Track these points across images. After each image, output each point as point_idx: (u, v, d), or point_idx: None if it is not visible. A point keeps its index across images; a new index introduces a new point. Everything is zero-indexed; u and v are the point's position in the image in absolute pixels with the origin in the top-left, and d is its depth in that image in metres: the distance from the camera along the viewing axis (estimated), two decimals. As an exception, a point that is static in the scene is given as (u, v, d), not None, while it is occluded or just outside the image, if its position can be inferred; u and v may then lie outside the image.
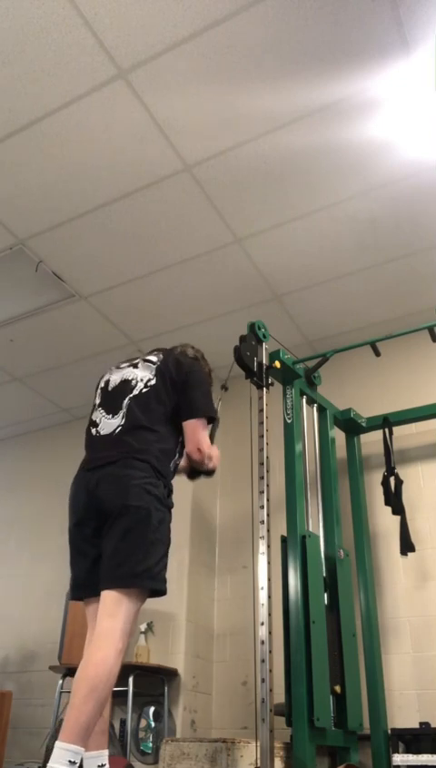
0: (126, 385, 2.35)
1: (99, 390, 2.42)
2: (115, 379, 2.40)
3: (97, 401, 2.39)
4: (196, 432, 2.27)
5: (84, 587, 2.13)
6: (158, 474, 2.16)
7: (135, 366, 2.41)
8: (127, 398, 2.30)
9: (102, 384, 2.44)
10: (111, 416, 2.30)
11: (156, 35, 2.49)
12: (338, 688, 2.84)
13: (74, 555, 2.19)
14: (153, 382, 2.33)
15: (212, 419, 2.35)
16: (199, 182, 3.11)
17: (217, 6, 2.39)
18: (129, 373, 2.39)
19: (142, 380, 2.34)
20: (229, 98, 2.71)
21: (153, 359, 2.43)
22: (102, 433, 2.27)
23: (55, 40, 2.51)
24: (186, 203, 3.23)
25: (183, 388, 2.32)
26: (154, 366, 2.38)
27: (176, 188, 3.14)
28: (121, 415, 2.28)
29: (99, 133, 2.88)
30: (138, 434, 2.22)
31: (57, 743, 1.73)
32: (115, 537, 2.03)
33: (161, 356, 2.44)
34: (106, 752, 2.04)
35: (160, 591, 2.05)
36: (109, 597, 1.96)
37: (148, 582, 2.01)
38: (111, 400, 2.34)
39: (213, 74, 2.62)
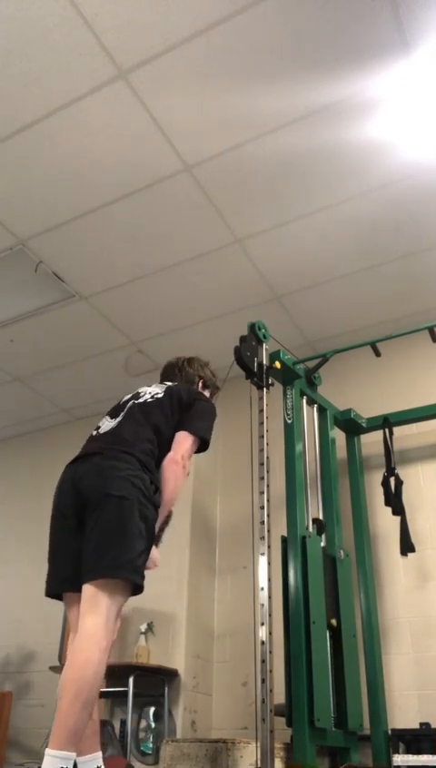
0: (136, 395, 2.47)
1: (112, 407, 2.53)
2: (128, 395, 2.52)
3: (106, 412, 2.48)
4: (185, 443, 2.32)
5: (63, 582, 2.09)
6: (145, 468, 2.15)
7: (149, 385, 2.55)
8: (131, 402, 2.41)
9: (115, 403, 2.54)
10: (112, 419, 2.38)
11: (156, 36, 2.49)
12: (334, 621, 2.90)
13: (53, 548, 2.14)
14: (159, 396, 2.43)
15: (204, 444, 2.40)
16: (199, 182, 3.11)
17: (217, 7, 2.39)
18: (141, 389, 2.52)
19: (150, 393, 2.45)
20: (229, 98, 2.71)
21: (168, 382, 2.58)
22: (100, 432, 2.33)
23: (56, 40, 2.51)
24: (186, 204, 3.23)
25: (187, 410, 2.40)
26: (166, 386, 2.51)
27: (176, 188, 3.14)
28: (121, 415, 2.36)
29: (99, 134, 2.88)
30: (130, 428, 2.26)
31: (47, 751, 1.69)
32: (98, 527, 1.99)
33: (176, 383, 2.58)
34: (100, 753, 2.01)
35: (139, 586, 2.00)
36: (90, 591, 1.92)
37: (130, 574, 1.95)
38: (117, 408, 2.45)
39: (213, 75, 2.62)
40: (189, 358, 2.77)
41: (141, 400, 2.41)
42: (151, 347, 4.33)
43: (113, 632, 1.95)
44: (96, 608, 1.89)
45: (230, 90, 2.68)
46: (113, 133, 2.88)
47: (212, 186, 3.14)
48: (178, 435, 2.33)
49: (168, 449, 2.30)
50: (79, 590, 1.96)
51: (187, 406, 2.41)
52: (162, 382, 2.63)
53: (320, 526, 3.20)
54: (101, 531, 1.99)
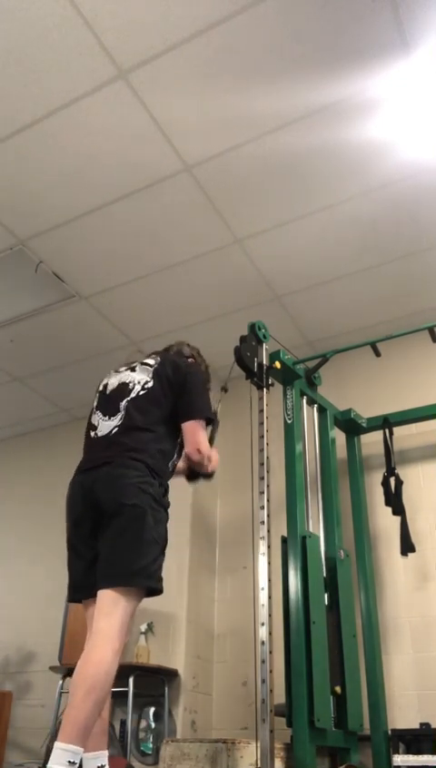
0: (124, 388, 2.36)
1: (97, 394, 2.44)
2: (113, 382, 2.42)
3: (95, 404, 2.41)
4: (195, 433, 2.28)
5: (82, 589, 2.13)
6: (153, 473, 2.16)
7: (133, 369, 2.43)
8: (124, 401, 2.32)
9: (100, 388, 2.46)
10: (108, 418, 2.32)
11: (156, 36, 2.49)
12: (338, 689, 2.83)
13: (71, 556, 2.19)
14: (150, 384, 2.34)
15: (210, 421, 2.36)
16: (199, 182, 3.11)
17: (217, 7, 2.39)
18: (126, 376, 2.40)
19: (139, 383, 2.36)
20: (229, 98, 2.71)
21: (151, 362, 2.44)
22: (99, 435, 2.29)
23: (56, 40, 2.51)
24: (186, 204, 3.23)
25: (180, 391, 2.33)
26: (152, 369, 2.40)
27: (176, 188, 3.14)
28: (118, 417, 2.29)
29: (99, 134, 2.88)
30: (134, 434, 2.23)
31: (56, 744, 1.73)
32: (111, 536, 2.03)
33: (158, 359, 2.46)
34: (106, 752, 2.03)
35: (156, 590, 2.05)
36: (105, 597, 1.96)
37: (144, 581, 2.01)
38: (108, 403, 2.35)
39: (214, 75, 2.62)
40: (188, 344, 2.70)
41: (133, 395, 2.32)
42: (151, 347, 4.28)
43: (126, 633, 1.98)
44: (111, 612, 1.94)
45: (230, 90, 2.68)
46: (113, 133, 2.88)
47: (212, 186, 3.14)
48: (185, 427, 2.28)
49: (172, 434, 2.30)
50: (96, 596, 2.00)
51: (179, 386, 2.33)
52: (144, 361, 2.46)
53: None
54: (115, 539, 2.02)
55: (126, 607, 1.96)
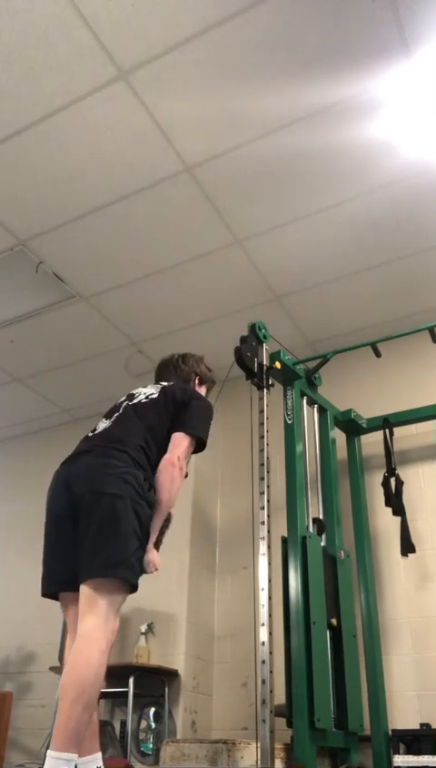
0: (129, 397, 2.47)
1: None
2: (123, 397, 2.51)
3: (103, 415, 2.48)
4: (182, 443, 2.28)
5: (60, 582, 2.09)
6: (137, 465, 2.14)
7: (145, 386, 2.54)
8: (125, 404, 2.41)
9: (112, 405, 2.53)
10: (106, 419, 2.38)
11: (157, 36, 2.49)
12: (334, 621, 2.90)
13: (48, 548, 2.15)
14: (154, 396, 2.41)
15: (201, 444, 2.36)
16: (199, 182, 3.11)
17: (217, 7, 2.39)
18: (136, 390, 2.51)
19: (144, 394, 2.44)
20: (230, 99, 2.71)
21: (164, 382, 2.55)
22: (94, 433, 2.33)
23: (56, 41, 2.51)
24: (186, 204, 3.23)
25: (182, 409, 2.36)
26: (161, 386, 2.49)
27: (176, 189, 3.14)
28: (115, 416, 2.35)
29: (99, 134, 2.88)
30: (123, 427, 2.25)
31: (49, 753, 1.70)
32: (92, 527, 1.99)
33: (172, 383, 2.54)
34: (99, 754, 2.01)
35: (134, 585, 2.01)
36: (88, 592, 1.93)
37: (125, 572, 1.96)
38: (112, 409, 2.45)
39: (214, 75, 2.62)
40: (183, 354, 2.72)
41: (135, 401, 2.39)
42: (151, 347, 4.33)
43: (112, 632, 1.95)
44: (94, 609, 1.90)
45: (230, 91, 2.68)
46: (113, 134, 2.88)
47: (212, 186, 3.14)
48: (174, 436, 2.29)
49: (163, 450, 2.27)
50: (75, 590, 1.98)
51: (182, 405, 2.36)
52: (157, 382, 2.59)
53: (320, 526, 3.21)
54: (95, 530, 1.99)
55: (109, 603, 1.92)
